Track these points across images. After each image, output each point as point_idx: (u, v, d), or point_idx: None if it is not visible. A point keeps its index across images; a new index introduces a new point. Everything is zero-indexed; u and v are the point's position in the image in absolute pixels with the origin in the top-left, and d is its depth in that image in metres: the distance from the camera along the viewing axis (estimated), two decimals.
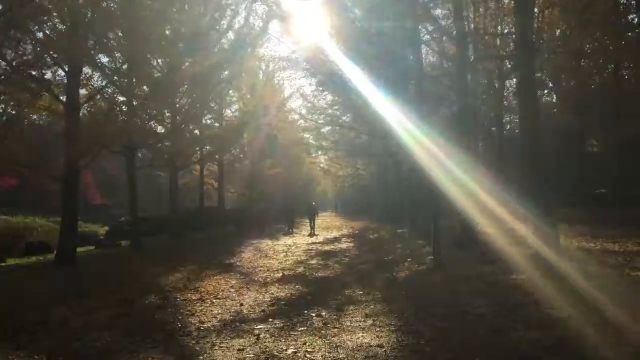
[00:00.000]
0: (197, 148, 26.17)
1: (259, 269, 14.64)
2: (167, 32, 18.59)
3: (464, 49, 15.22)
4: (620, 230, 18.37)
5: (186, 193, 48.87)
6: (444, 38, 20.09)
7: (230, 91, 31.54)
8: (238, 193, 50.96)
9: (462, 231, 15.65)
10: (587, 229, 19.45)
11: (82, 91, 16.97)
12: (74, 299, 10.31)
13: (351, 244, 22.37)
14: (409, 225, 26.19)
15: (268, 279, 12.53)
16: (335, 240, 25.29)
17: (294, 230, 34.45)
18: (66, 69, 15.40)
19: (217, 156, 33.89)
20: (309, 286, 11.34)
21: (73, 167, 15.18)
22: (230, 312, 8.85)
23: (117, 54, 17.01)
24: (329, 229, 36.01)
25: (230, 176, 43.01)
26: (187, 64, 22.40)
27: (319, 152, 37.69)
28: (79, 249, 23.77)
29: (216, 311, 8.92)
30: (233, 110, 33.99)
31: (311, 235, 29.30)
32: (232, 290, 11.11)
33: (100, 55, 16.41)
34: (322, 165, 42.76)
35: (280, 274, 13.34)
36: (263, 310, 8.85)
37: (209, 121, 29.52)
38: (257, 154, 44.09)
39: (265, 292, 10.68)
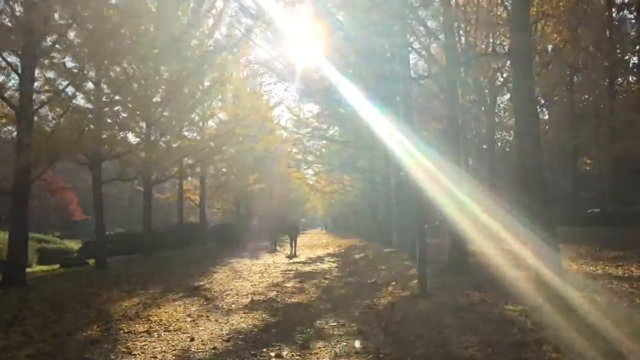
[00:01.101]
0: (175, 160, 24.70)
1: (227, 292, 13.22)
2: (134, 37, 17.19)
3: (454, 60, 14.00)
4: (620, 251, 17.11)
5: (167, 209, 47.55)
6: (432, 46, 18.91)
7: (212, 102, 30.27)
8: (224, 209, 49.64)
9: (453, 252, 14.29)
10: (585, 249, 18.22)
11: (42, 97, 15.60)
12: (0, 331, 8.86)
13: (334, 265, 20.97)
14: (396, 244, 24.95)
15: (233, 306, 11.12)
16: (318, 259, 23.89)
17: (278, 248, 33.10)
18: (18, 69, 14.04)
19: (197, 170, 32.53)
20: (276, 315, 9.94)
21: (24, 178, 13.73)
22: (175, 349, 7.44)
23: (81, 55, 15.59)
24: (315, 247, 34.58)
25: (214, 192, 41.63)
26: (161, 69, 21.26)
27: (305, 167, 36.35)
28: (42, 268, 22.46)
29: (159, 348, 7.51)
30: (216, 122, 32.45)
31: (291, 256, 26.85)
32: (188, 319, 9.68)
33: (59, 56, 14.99)
34: (308, 181, 41.35)
35: (249, 299, 11.94)
36: (215, 348, 7.45)
37: (187, 133, 28.07)
38: (240, 169, 42.88)
39: (225, 323, 9.28)
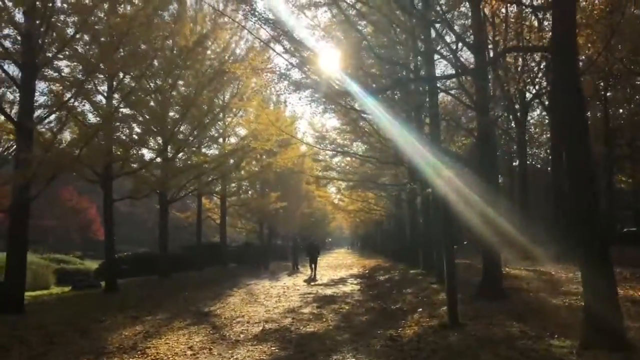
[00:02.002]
0: (191, 177, 23.84)
1: (238, 320, 12.14)
2: (147, 47, 16.47)
3: (483, 63, 12.83)
4: None
5: (189, 229, 46.71)
6: (459, 52, 17.73)
7: (232, 119, 29.50)
8: (246, 229, 48.76)
9: (485, 274, 12.96)
10: (629, 272, 16.68)
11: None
12: None
13: (356, 287, 19.77)
14: (423, 265, 23.61)
15: (242, 336, 10.03)
16: (341, 281, 22.70)
17: (300, 268, 31.95)
18: (18, 79, 13.33)
19: (218, 187, 31.69)
20: (288, 348, 8.82)
21: (22, 195, 12.89)
22: None
23: (88, 65, 14.81)
24: (338, 267, 33.37)
25: (236, 210, 40.78)
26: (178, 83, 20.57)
27: (328, 184, 35.23)
28: (52, 291, 21.61)
29: None
30: (236, 138, 31.61)
31: (310, 280, 24.07)
32: (188, 353, 8.63)
33: (62, 66, 14.28)
34: (331, 199, 40.20)
35: (260, 328, 10.84)
36: None
37: (206, 150, 27.31)
38: (262, 186, 42.00)
39: (230, 358, 8.20)
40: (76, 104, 14.48)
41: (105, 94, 17.71)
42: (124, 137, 18.50)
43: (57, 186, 51.15)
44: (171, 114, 21.61)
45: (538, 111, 40.07)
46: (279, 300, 15.84)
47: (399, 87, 17.44)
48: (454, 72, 14.95)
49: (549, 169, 51.68)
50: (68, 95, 13.73)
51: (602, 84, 34.65)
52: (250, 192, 44.09)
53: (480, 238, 12.87)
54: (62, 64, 14.38)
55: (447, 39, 15.25)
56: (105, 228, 19.15)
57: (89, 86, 16.07)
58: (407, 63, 17.93)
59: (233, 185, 36.68)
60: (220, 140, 29.75)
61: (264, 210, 38.64)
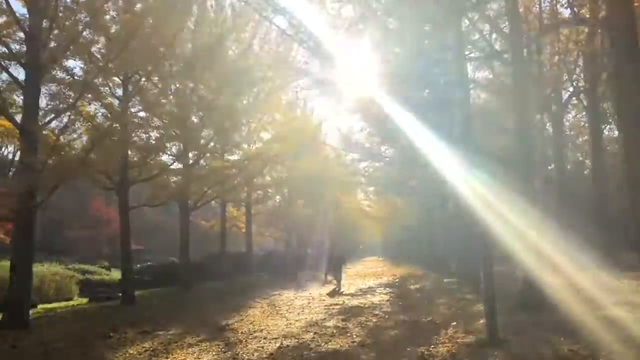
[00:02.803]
0: (213, 184, 23.06)
1: (256, 335, 11.18)
2: (163, 46, 15.75)
3: (519, 48, 11.66)
4: None
5: (215, 238, 46.09)
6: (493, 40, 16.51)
7: (255, 125, 28.71)
8: (274, 237, 47.99)
9: (525, 287, 11.74)
10: None
11: None
12: None
13: (386, 297, 18.63)
14: (456, 273, 22.40)
15: (255, 355, 9.05)
16: (369, 291, 21.56)
17: (330, 278, 30.69)
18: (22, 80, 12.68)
19: (243, 195, 30.87)
20: None
21: (26, 202, 12.20)
22: None
23: (98, 64, 14.14)
24: (367, 276, 32.16)
25: (264, 218, 40.02)
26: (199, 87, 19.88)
27: (355, 189, 34.21)
28: (69, 303, 20.91)
29: None
30: (260, 142, 30.59)
31: (334, 293, 21.46)
32: None
33: (68, 64, 13.61)
34: (361, 205, 39.13)
35: (277, 345, 9.85)
36: None
37: (228, 155, 26.45)
38: (289, 193, 41.13)
39: None
40: (85, 105, 13.78)
41: (119, 97, 17.02)
42: (140, 142, 17.87)
43: (87, 196, 51.30)
44: (193, 119, 20.99)
45: (573, 113, 38.44)
46: (302, 312, 14.84)
47: (428, 81, 16.27)
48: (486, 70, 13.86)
49: (585, 172, 49.87)
50: (75, 96, 12.99)
51: None
52: (277, 200, 43.33)
53: (518, 249, 11.70)
54: (70, 64, 13.72)
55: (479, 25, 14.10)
56: (121, 237, 18.46)
57: (102, 88, 15.49)
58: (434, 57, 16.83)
59: (259, 192, 35.90)
60: (245, 146, 28.94)
61: (291, 218, 37.80)
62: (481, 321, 10.40)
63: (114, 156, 15.53)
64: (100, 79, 15.46)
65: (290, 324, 12.62)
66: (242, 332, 11.55)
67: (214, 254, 31.68)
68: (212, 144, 22.43)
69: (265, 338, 10.68)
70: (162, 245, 61.69)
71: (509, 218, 11.87)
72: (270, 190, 36.83)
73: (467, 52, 16.07)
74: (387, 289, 22.37)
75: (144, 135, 17.76)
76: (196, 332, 11.76)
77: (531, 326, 9.54)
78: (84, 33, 13.04)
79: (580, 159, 48.49)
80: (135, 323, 13.42)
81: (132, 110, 17.54)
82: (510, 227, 12.21)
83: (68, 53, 12.86)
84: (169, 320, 13.97)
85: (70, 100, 12.87)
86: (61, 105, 13.07)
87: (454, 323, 10.97)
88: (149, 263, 28.22)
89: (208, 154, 22.70)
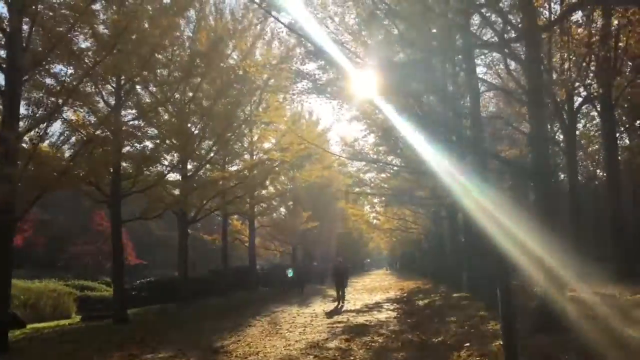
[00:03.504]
0: (212, 195, 22.25)
1: (250, 359, 10.27)
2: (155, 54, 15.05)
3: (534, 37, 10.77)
4: None
5: (220, 251, 45.32)
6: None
7: (256, 134, 27.93)
8: (279, 251, 47.12)
9: (546, 302, 10.75)
10: None
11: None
12: None
13: (393, 314, 17.68)
14: (467, 287, 21.39)
15: None
16: (376, 307, 20.60)
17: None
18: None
19: (246, 207, 29.99)
20: None
21: (5, 215, 11.37)
22: None
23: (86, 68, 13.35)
24: (374, 291, 31.10)
25: (268, 231, 39.14)
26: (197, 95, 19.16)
27: (360, 199, 33.24)
28: (60, 322, 19.89)
29: None
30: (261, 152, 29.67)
31: (337, 309, 20.27)
32: None
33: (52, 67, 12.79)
34: (366, 217, 38.12)
35: None
36: None
37: (229, 166, 25.63)
38: (294, 205, 40.34)
39: None
40: (78, 113, 13.02)
41: (110, 104, 16.25)
42: (135, 152, 17.14)
43: (89, 211, 50.61)
44: (192, 128, 20.32)
45: (582, 122, 37.37)
46: (303, 332, 13.90)
47: (435, 87, 15.40)
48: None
49: (596, 182, 48.71)
50: (60, 102, 12.21)
51: None
52: (282, 212, 42.52)
53: (539, 257, 10.75)
54: (56, 68, 12.92)
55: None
56: (113, 253, 17.60)
57: (94, 95, 14.77)
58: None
59: (262, 204, 35.11)
60: (247, 156, 28.10)
61: (296, 231, 36.95)
62: (498, 343, 9.46)
63: (104, 166, 14.72)
64: (90, 85, 14.76)
65: (289, 345, 11.70)
66: (236, 356, 10.64)
67: (216, 268, 30.78)
68: (212, 154, 21.62)
69: None
70: (167, 260, 61.03)
71: (521, 230, 10.98)
72: (273, 202, 36.04)
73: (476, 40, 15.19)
74: (395, 304, 21.41)
75: (138, 145, 16.97)
76: (187, 356, 10.87)
77: (554, 350, 8.57)
78: (70, 34, 12.26)
79: (591, 168, 47.45)
80: (123, 345, 12.54)
81: (126, 118, 16.81)
82: (523, 239, 11.36)
83: (52, 56, 12.09)
84: (161, 341, 13.10)
85: (52, 106, 12.06)
86: (44, 112, 12.29)
87: (467, 344, 10.01)
88: (148, 279, 27.32)
89: (208, 165, 21.88)
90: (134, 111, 17.51)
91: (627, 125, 35.42)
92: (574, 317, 11.20)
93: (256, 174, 23.64)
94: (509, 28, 11.39)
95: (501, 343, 9.36)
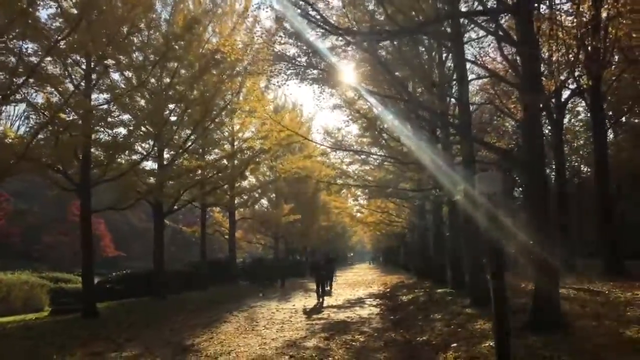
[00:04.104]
0: (190, 185, 21.35)
1: (221, 359, 9.52)
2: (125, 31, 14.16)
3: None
4: None
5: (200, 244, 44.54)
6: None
7: (238, 124, 27.04)
8: (262, 244, 46.45)
9: (539, 300, 10.12)
10: None
11: None
12: None
13: (375, 310, 17.03)
14: (451, 282, 20.85)
15: None
16: (358, 302, 19.97)
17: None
18: None
19: (226, 198, 29.09)
20: None
21: None
22: None
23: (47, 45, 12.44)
24: (357, 285, 30.47)
25: (249, 223, 38.35)
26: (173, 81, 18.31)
27: (342, 190, 32.53)
28: (27, 316, 18.98)
29: None
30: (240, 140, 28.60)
31: (318, 305, 19.31)
32: None
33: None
34: (350, 210, 37.42)
35: None
36: None
37: (210, 156, 24.68)
38: (276, 198, 39.65)
39: None
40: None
41: (78, 86, 15.31)
42: (107, 139, 16.28)
43: (66, 201, 49.42)
44: (170, 116, 19.52)
45: (568, 116, 37.01)
46: (281, 329, 13.19)
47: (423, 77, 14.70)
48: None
49: (581, 177, 48.58)
50: (18, 81, 11.32)
51: None
52: (263, 205, 41.79)
53: (532, 250, 10.13)
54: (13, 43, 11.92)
55: None
56: (82, 244, 16.67)
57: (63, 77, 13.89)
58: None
59: (244, 196, 34.31)
60: (227, 146, 27.15)
61: (278, 223, 36.21)
62: (487, 343, 8.83)
63: (71, 152, 13.87)
64: (56, 66, 13.86)
65: (264, 344, 10.96)
66: (206, 355, 9.88)
67: (195, 261, 29.92)
68: (190, 143, 20.72)
69: None
70: (147, 252, 60.00)
71: (511, 224, 10.38)
72: (255, 194, 35.23)
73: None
74: (377, 300, 20.79)
75: (109, 131, 16.10)
76: (154, 354, 10.09)
77: (547, 352, 7.93)
78: (31, 8, 11.33)
79: (575, 164, 47.30)
80: (88, 342, 11.75)
81: (97, 102, 15.92)
82: (513, 233, 10.81)
83: (11, 31, 11.16)
84: (129, 338, 12.31)
85: (9, 85, 11.16)
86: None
87: (454, 344, 9.35)
88: (125, 271, 26.39)
89: (186, 154, 20.98)
90: (107, 96, 16.63)
91: (612, 121, 35.18)
92: (566, 315, 10.63)
93: (236, 164, 22.80)
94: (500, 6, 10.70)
95: (491, 344, 8.75)
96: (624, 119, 37.45)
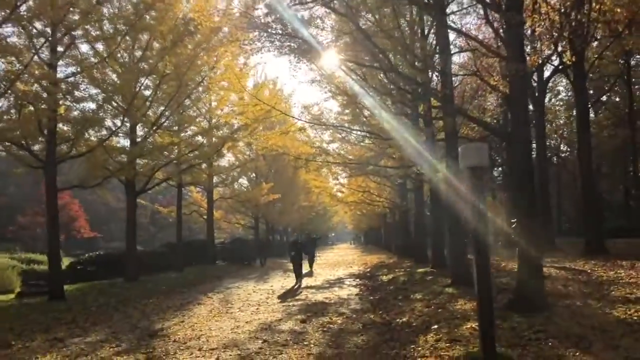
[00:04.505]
0: (164, 164, 20.57)
1: (190, 344, 8.96)
2: None
3: None
4: None
5: (187, 226, 43.82)
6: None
7: (215, 101, 26.21)
8: (242, 224, 45.91)
9: (522, 279, 9.70)
10: None
11: None
12: None
13: (355, 290, 16.63)
14: (432, 261, 20.59)
15: None
16: (337, 283, 19.56)
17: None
18: None
19: (203, 177, 28.30)
20: None
21: None
22: None
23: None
24: (337, 265, 30.09)
25: (229, 203, 37.65)
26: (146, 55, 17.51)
27: (326, 173, 31.89)
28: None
29: None
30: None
31: (295, 287, 18.63)
32: None
33: None
34: (330, 190, 36.80)
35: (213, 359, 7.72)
36: None
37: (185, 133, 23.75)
38: (256, 177, 39.06)
39: None
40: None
41: (42, 58, 14.47)
42: (75, 113, 15.52)
43: (42, 180, 48.21)
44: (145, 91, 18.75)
45: (548, 95, 36.75)
46: (256, 311, 12.69)
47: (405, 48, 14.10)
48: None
49: (561, 157, 48.63)
50: None
51: (624, 61, 31.49)
52: (243, 185, 41.14)
53: (516, 229, 9.70)
54: None
55: None
56: (47, 224, 15.93)
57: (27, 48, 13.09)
58: None
59: (222, 175, 33.59)
60: (205, 123, 26.19)
61: (257, 203, 35.60)
62: (469, 325, 8.43)
63: (35, 127, 13.14)
64: (18, 35, 13.06)
65: (237, 327, 10.45)
66: (174, 340, 9.33)
67: (173, 242, 29.22)
68: (163, 120, 19.91)
69: (200, 349, 8.50)
70: (124, 233, 59.21)
71: (493, 200, 9.94)
72: (234, 174, 34.54)
73: None
74: (357, 280, 20.42)
75: (76, 105, 15.31)
76: (118, 340, 9.52)
77: (533, 334, 7.51)
78: None
79: (555, 143, 47.36)
80: (51, 327, 11.14)
81: (64, 76, 15.11)
82: (498, 211, 10.34)
83: None
84: (95, 322, 11.75)
85: None
86: None
87: (435, 326, 8.92)
88: (98, 252, 25.64)
89: (160, 131, 20.14)
90: (75, 69, 15.79)
91: (593, 100, 35.00)
92: (550, 295, 10.28)
93: (213, 142, 22.03)
94: None
95: (473, 326, 8.35)
96: (604, 97, 37.48)
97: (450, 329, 8.53)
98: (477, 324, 8.38)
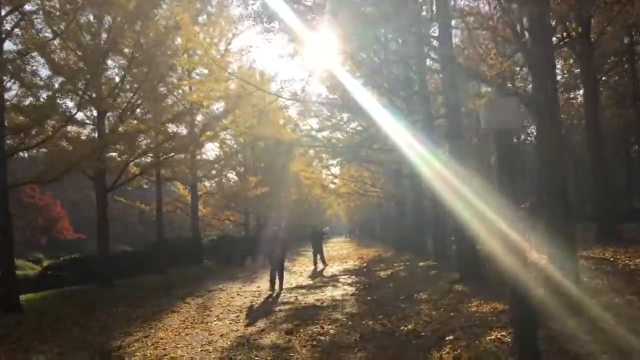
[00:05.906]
0: (137, 155, 18.61)
1: None
2: None
3: None
4: None
5: (166, 222, 41.75)
6: None
7: (194, 85, 24.23)
8: (231, 220, 44.00)
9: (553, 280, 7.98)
10: None
11: None
12: None
13: (351, 289, 14.89)
14: (433, 254, 18.96)
15: None
16: (332, 280, 17.83)
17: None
18: None
19: (186, 172, 26.36)
20: None
21: None
22: None
23: None
24: (331, 260, 28.31)
25: (215, 199, 35.75)
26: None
27: (317, 164, 30.24)
28: None
29: None
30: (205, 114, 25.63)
31: (273, 295, 14.79)
32: None
33: None
34: (322, 181, 35.01)
35: None
36: None
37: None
38: (245, 170, 37.27)
39: None
40: None
41: None
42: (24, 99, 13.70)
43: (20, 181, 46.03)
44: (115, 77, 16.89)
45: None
46: (236, 319, 10.91)
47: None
48: None
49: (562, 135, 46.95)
50: None
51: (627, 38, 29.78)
52: (231, 179, 39.31)
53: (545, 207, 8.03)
54: None
55: None
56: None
57: None
58: None
59: (210, 169, 31.77)
60: (188, 117, 24.17)
61: (246, 198, 33.74)
62: (493, 335, 6.73)
63: None
64: None
65: (210, 343, 8.65)
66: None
67: (154, 242, 27.30)
68: (135, 108, 18.01)
69: None
70: (117, 235, 56.85)
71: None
72: (217, 166, 32.61)
73: None
74: (353, 277, 18.69)
75: (26, 90, 13.48)
76: None
77: (580, 349, 5.81)
78: None
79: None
80: None
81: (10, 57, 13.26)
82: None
83: None
84: (45, 338, 9.93)
85: None
86: None
87: (450, 337, 7.18)
88: (73, 255, 23.67)
89: (131, 121, 18.18)
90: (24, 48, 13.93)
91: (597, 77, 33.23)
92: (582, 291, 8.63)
93: (190, 131, 20.16)
94: None
95: (499, 336, 6.65)
96: (605, 77, 35.80)
97: (469, 341, 6.80)
98: (503, 333, 6.75)
